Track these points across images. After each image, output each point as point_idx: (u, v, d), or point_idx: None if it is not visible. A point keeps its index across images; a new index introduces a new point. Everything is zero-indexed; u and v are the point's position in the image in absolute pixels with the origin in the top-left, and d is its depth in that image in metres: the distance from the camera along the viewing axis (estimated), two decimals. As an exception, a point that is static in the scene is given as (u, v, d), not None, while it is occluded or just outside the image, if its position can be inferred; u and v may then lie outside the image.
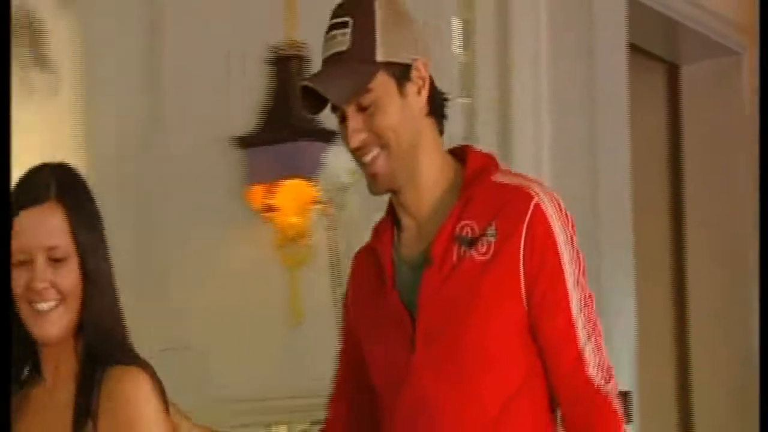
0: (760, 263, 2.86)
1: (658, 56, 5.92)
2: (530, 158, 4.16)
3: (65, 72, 5.17)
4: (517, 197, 2.47)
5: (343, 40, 2.52)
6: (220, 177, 4.79)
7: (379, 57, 2.49)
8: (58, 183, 2.43)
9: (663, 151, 5.96)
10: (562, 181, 4.13)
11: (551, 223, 2.46)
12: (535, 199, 2.45)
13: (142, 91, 4.99)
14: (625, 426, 2.41)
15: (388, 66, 2.48)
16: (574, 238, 2.50)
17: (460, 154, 2.62)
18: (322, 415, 3.01)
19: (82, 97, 5.14)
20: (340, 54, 2.51)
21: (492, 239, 2.45)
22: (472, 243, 2.47)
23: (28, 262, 2.36)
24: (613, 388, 2.41)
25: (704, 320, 5.56)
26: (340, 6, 2.60)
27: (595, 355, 2.42)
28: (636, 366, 4.68)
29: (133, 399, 2.42)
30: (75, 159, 5.07)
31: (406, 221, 2.60)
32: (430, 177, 2.57)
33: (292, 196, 4.66)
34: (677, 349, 5.64)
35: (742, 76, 5.69)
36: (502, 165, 2.66)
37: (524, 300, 2.44)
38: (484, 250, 2.45)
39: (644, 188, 5.21)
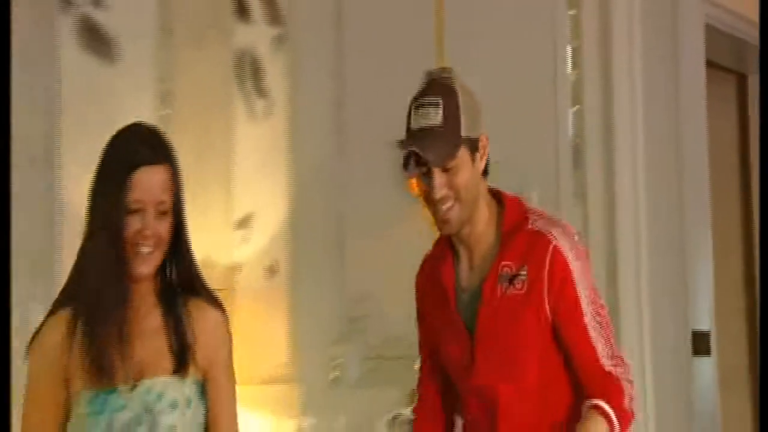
0: (760, 263, 2.82)
1: (729, 68, 5.80)
2: (628, 155, 4.15)
3: (277, 97, 5.36)
4: (541, 243, 2.68)
5: (437, 116, 2.66)
6: (390, 172, 4.67)
7: (463, 133, 2.67)
8: (166, 147, 2.47)
9: (734, 148, 5.95)
10: (652, 173, 4.18)
11: (567, 259, 2.68)
12: (553, 243, 2.67)
13: (333, 108, 5.07)
14: (628, 395, 2.67)
15: (467, 140, 2.68)
16: (587, 263, 2.78)
17: (495, 194, 2.84)
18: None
19: (290, 116, 5.31)
20: (433, 128, 2.65)
21: (524, 277, 2.69)
22: (511, 280, 2.70)
23: (141, 212, 2.38)
24: (622, 371, 2.68)
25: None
26: (429, 86, 2.76)
27: (605, 348, 2.68)
28: (713, 310, 4.61)
29: (217, 320, 2.54)
30: (284, 163, 5.28)
31: (462, 252, 2.82)
32: (482, 220, 2.77)
33: None
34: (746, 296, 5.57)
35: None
36: (529, 206, 2.86)
37: (550, 319, 2.69)
38: (519, 286, 2.69)
39: (719, 178, 5.17)
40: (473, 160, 2.70)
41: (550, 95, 4.36)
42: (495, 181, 4.01)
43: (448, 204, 2.68)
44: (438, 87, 2.74)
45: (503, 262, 2.72)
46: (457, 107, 2.68)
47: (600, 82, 4.27)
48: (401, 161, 2.73)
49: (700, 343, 4.39)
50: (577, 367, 2.71)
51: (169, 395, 2.44)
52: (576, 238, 2.79)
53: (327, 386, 4.84)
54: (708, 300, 4.55)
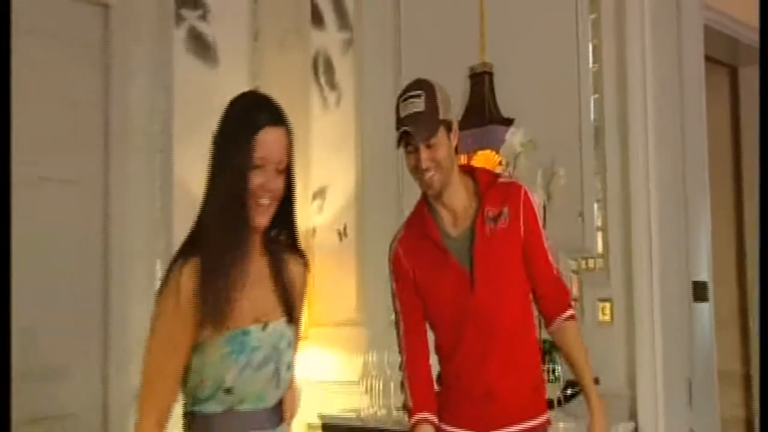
0: (760, 264, 2.84)
1: (723, 62, 5.75)
2: (640, 135, 4.11)
3: (346, 90, 5.44)
4: (514, 189, 3.03)
5: (420, 104, 2.88)
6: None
7: (441, 116, 2.90)
8: (282, 112, 2.36)
9: (727, 128, 5.92)
10: (660, 151, 4.16)
11: (532, 200, 3.04)
12: (523, 189, 3.04)
13: (393, 97, 4.99)
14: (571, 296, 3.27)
15: (443, 121, 2.92)
16: (538, 205, 3.19)
17: (466, 169, 3.12)
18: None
19: (357, 105, 5.37)
20: (418, 113, 2.87)
21: (506, 215, 2.98)
22: (495, 219, 2.97)
23: (263, 168, 2.30)
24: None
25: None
26: (412, 85, 2.96)
27: (555, 265, 3.10)
28: (710, 264, 4.58)
29: (304, 274, 2.53)
30: (352, 144, 5.34)
31: (443, 213, 3.04)
32: (460, 187, 3.01)
33: (484, 160, 4.44)
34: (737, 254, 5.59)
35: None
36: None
37: (522, 243, 3.00)
38: (503, 223, 2.97)
39: (715, 154, 5.15)
40: (449, 138, 2.94)
41: (574, 85, 4.36)
42: (530, 157, 4.08)
43: (431, 173, 2.90)
44: (419, 83, 2.95)
45: (487, 208, 2.97)
46: (435, 97, 2.90)
47: (616, 74, 4.24)
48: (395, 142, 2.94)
49: (699, 292, 4.40)
50: (537, 276, 3.03)
51: (287, 336, 2.42)
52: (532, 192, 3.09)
53: (387, 327, 4.89)
54: (706, 256, 4.54)
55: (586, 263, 4.33)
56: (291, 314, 2.46)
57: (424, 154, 2.89)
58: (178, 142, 5.09)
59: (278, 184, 2.37)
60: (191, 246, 2.34)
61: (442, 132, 2.90)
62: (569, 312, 3.08)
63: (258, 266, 2.41)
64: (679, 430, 4.13)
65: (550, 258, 3.08)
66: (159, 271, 5.00)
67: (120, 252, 4.89)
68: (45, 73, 4.58)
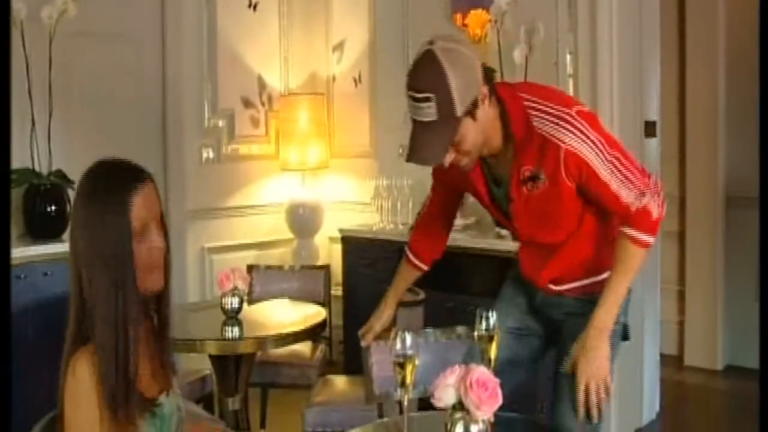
0: (760, 265, 2.50)
1: None
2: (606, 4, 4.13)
3: None
4: (552, 149, 2.15)
5: (430, 112, 2.07)
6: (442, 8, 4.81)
7: (459, 113, 2.10)
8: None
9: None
10: (622, 12, 4.11)
11: (579, 152, 2.13)
12: (563, 148, 2.14)
13: None
14: (656, 209, 2.19)
15: (463, 114, 2.11)
16: (603, 143, 2.15)
17: (499, 98, 2.21)
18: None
19: None
20: (428, 123, 2.09)
21: (543, 178, 2.19)
22: (533, 180, 2.21)
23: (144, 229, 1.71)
24: (648, 195, 2.18)
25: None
26: (415, 81, 2.10)
27: (629, 192, 2.17)
28: (659, 107, 4.57)
29: None
30: (367, 2, 5.24)
31: (489, 159, 2.29)
32: (496, 141, 2.22)
33: (476, 19, 4.52)
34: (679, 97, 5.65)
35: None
36: (526, 98, 2.20)
37: (575, 192, 2.21)
38: (540, 186, 2.21)
39: (665, 15, 5.08)
40: (475, 119, 2.13)
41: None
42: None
43: (461, 161, 2.22)
44: (426, 79, 2.09)
45: (523, 167, 2.22)
46: (449, 93, 2.07)
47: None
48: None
49: (649, 129, 4.43)
50: (612, 212, 2.25)
51: (177, 389, 1.90)
52: (588, 128, 2.15)
53: (395, 158, 4.94)
54: (656, 99, 4.51)
55: (555, 104, 4.35)
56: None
57: (447, 157, 2.18)
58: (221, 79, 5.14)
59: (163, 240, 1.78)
60: (79, 331, 1.72)
61: (465, 123, 2.11)
62: (634, 231, 2.20)
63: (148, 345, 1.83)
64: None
65: (614, 189, 2.17)
66: (206, 113, 5.13)
67: (175, 99, 4.94)
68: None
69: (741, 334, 5.17)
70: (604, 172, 2.16)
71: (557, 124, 2.15)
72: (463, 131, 2.12)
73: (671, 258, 5.49)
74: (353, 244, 4.63)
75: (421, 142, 2.12)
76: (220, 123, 5.19)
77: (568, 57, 4.28)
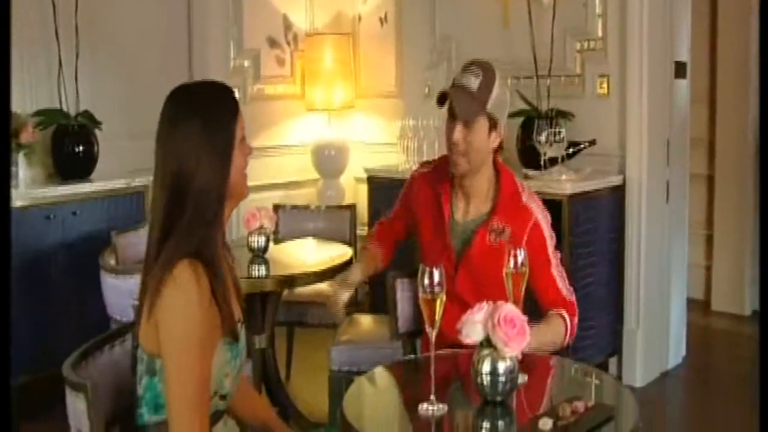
0: (760, 266, 2.51)
1: None
2: (636, 19, 4.09)
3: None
4: (526, 215, 2.52)
5: (476, 82, 2.45)
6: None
7: (488, 108, 2.47)
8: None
9: None
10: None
11: (543, 231, 2.52)
12: (534, 218, 2.52)
13: None
14: (576, 318, 2.49)
15: (489, 115, 2.47)
16: (553, 235, 2.55)
17: (498, 168, 2.60)
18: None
19: None
20: (470, 90, 2.45)
21: (508, 235, 2.49)
22: (498, 233, 2.51)
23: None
24: (572, 297, 2.51)
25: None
26: (479, 62, 2.51)
27: (564, 283, 2.51)
28: (689, 48, 4.47)
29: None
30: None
31: (460, 197, 2.60)
32: (483, 183, 2.57)
33: None
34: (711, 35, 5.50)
35: None
36: (519, 181, 2.63)
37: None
38: (504, 239, 2.48)
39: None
40: (489, 135, 2.50)
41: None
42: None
43: (460, 153, 2.50)
44: (484, 65, 2.51)
45: (495, 219, 2.53)
46: (492, 85, 2.47)
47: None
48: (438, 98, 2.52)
49: (679, 70, 4.36)
50: (544, 297, 2.50)
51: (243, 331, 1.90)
52: (549, 218, 2.58)
53: (421, 99, 4.93)
54: (686, 40, 4.42)
55: (588, 44, 4.28)
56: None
57: (460, 129, 2.48)
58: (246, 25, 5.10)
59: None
60: (187, 242, 1.72)
61: (483, 121, 2.48)
62: (566, 315, 2.49)
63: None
64: (658, 181, 4.19)
65: (558, 283, 2.52)
66: (232, 53, 5.09)
67: (201, 40, 4.91)
68: None
69: (769, 279, 5.09)
70: (551, 256, 2.52)
71: (536, 203, 2.58)
72: (480, 123, 2.47)
73: (699, 202, 5.43)
74: (379, 184, 4.62)
75: (459, 97, 2.45)
76: (246, 63, 5.17)
77: (597, -3, 4.23)
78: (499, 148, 2.58)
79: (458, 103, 2.47)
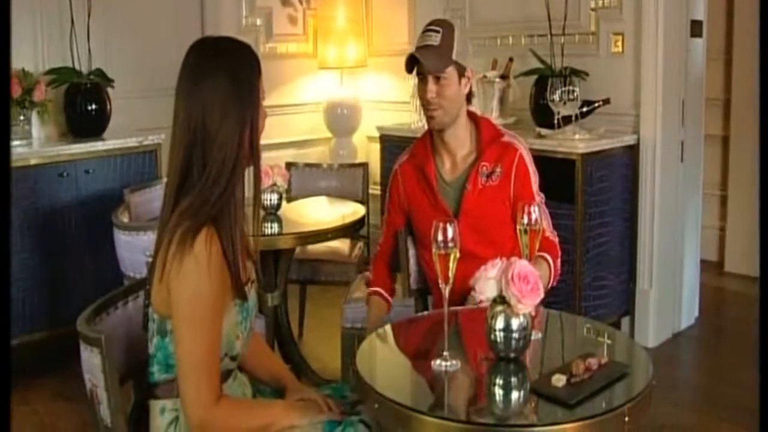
0: (760, 267, 2.49)
1: None
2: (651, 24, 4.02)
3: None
4: (511, 151, 2.63)
5: (436, 39, 2.53)
6: None
7: (453, 56, 2.54)
8: None
9: None
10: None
11: (527, 165, 2.64)
12: (519, 152, 2.63)
13: None
14: (559, 256, 2.63)
15: (456, 64, 2.55)
16: (536, 172, 2.67)
17: (472, 117, 2.70)
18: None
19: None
20: (433, 47, 2.52)
21: (498, 174, 2.61)
22: (489, 175, 2.61)
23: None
24: (555, 238, 2.65)
25: None
26: (434, 21, 2.63)
27: (548, 225, 2.61)
28: (706, 4, 4.40)
29: None
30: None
31: (444, 155, 2.68)
32: (462, 132, 2.65)
33: None
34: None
35: None
36: (497, 124, 2.77)
37: (511, 202, 2.59)
38: (495, 180, 2.61)
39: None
40: (460, 83, 2.58)
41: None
42: None
43: (435, 106, 2.57)
44: (441, 22, 2.62)
45: (482, 163, 2.62)
46: (452, 37, 2.56)
47: None
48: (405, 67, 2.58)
49: (695, 28, 4.29)
50: None
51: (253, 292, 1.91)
52: (529, 153, 2.69)
53: (434, 58, 4.88)
54: None
55: (603, 2, 4.20)
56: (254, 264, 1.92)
57: (432, 85, 2.55)
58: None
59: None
60: (208, 206, 1.71)
61: (452, 71, 2.55)
62: (544, 254, 2.57)
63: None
64: (672, 141, 4.14)
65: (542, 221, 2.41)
66: (244, 11, 5.05)
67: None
68: None
69: (782, 240, 5.06)
70: (536, 193, 2.64)
71: (518, 140, 2.70)
72: (450, 75, 2.55)
73: (714, 162, 5.37)
74: (391, 143, 4.58)
75: (426, 56, 2.53)
76: (258, 21, 5.15)
77: (612, -48, 4.16)
78: (470, 96, 2.66)
79: (426, 60, 2.53)
